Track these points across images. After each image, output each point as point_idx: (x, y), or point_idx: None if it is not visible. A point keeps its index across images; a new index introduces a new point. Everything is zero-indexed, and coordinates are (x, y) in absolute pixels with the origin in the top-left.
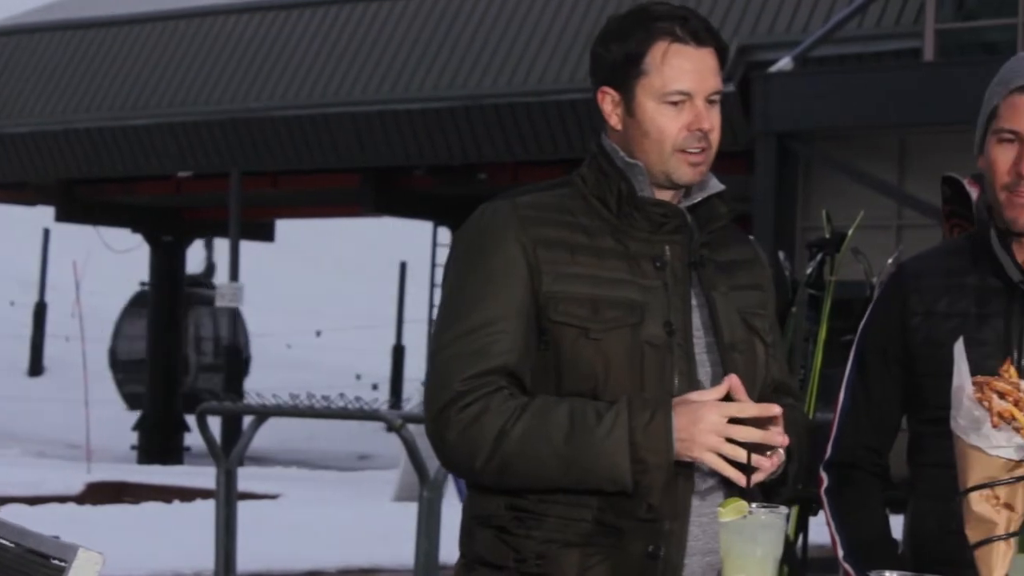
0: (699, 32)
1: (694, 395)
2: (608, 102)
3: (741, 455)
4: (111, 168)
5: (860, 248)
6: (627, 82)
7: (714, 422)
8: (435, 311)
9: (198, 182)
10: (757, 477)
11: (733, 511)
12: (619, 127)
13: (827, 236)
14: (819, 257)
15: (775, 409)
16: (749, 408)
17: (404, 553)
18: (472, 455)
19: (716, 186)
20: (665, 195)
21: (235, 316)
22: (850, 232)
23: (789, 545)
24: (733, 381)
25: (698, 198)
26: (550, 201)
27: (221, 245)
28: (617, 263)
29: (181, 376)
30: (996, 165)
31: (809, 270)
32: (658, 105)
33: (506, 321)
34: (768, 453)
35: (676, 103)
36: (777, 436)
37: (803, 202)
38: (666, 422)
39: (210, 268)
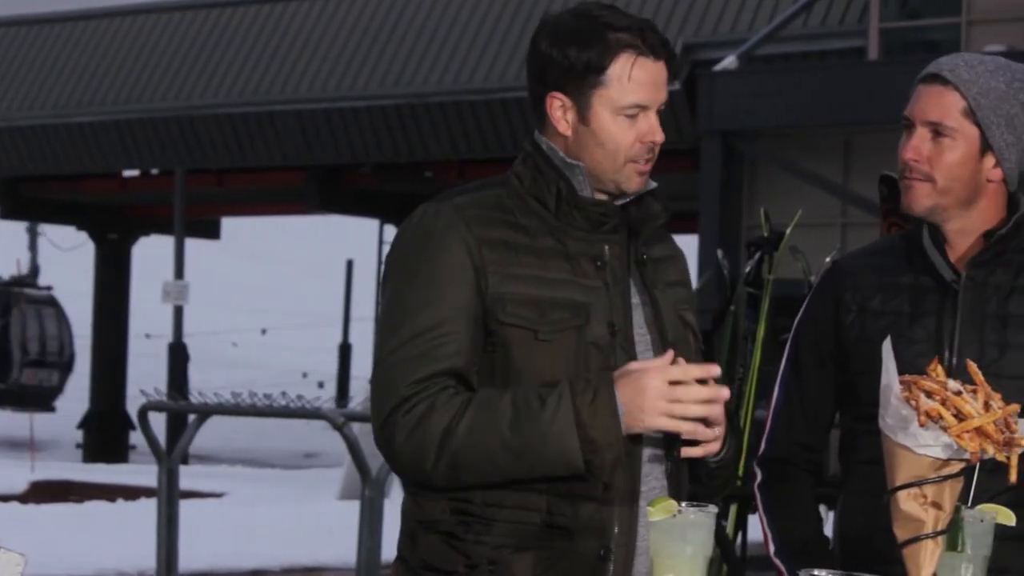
0: (657, 46)
1: (634, 365)
2: (558, 107)
3: (692, 412)
4: (56, 166)
5: (805, 246)
6: (583, 90)
7: (659, 387)
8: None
9: (143, 180)
10: (698, 451)
11: (662, 510)
12: (568, 133)
13: (765, 235)
14: (758, 256)
15: (715, 369)
16: (692, 370)
17: (348, 551)
18: (422, 457)
19: (649, 184)
20: (602, 195)
21: (60, 315)
22: (788, 231)
23: (728, 543)
24: (671, 355)
25: (631, 196)
26: (489, 201)
27: (166, 243)
28: (558, 263)
29: (7, 372)
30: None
31: (748, 269)
32: (614, 116)
33: (453, 323)
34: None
35: (632, 116)
36: (719, 413)
37: (748, 200)
38: (610, 398)
39: (34, 269)
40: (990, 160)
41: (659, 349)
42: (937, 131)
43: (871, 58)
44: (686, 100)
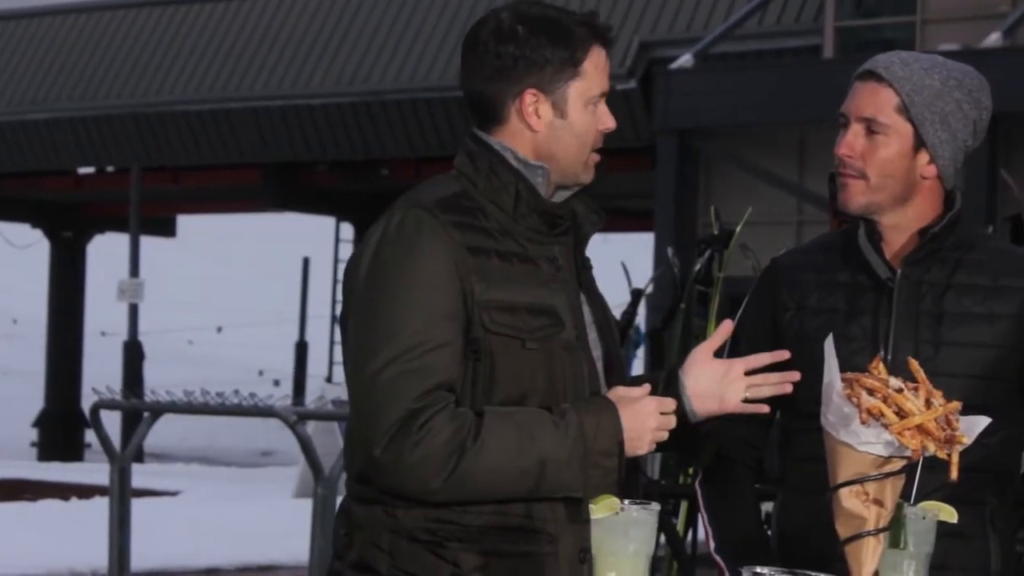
0: (608, 34)
1: (621, 391)
2: (531, 103)
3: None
4: (11, 163)
5: (761, 244)
6: (559, 84)
7: (657, 416)
8: (338, 307)
9: (99, 178)
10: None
11: (605, 508)
12: (539, 128)
13: (715, 233)
14: (708, 253)
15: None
16: (670, 404)
17: (303, 550)
18: (430, 474)
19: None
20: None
21: None
22: (738, 229)
23: (679, 540)
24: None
25: (565, 195)
26: (457, 204)
27: (122, 240)
28: (524, 267)
29: None
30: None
31: (698, 266)
32: (585, 107)
33: (447, 333)
34: None
35: (595, 105)
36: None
37: (704, 198)
38: (616, 424)
39: None
40: (924, 157)
41: (602, 348)
42: (871, 128)
43: (826, 56)
44: (642, 98)
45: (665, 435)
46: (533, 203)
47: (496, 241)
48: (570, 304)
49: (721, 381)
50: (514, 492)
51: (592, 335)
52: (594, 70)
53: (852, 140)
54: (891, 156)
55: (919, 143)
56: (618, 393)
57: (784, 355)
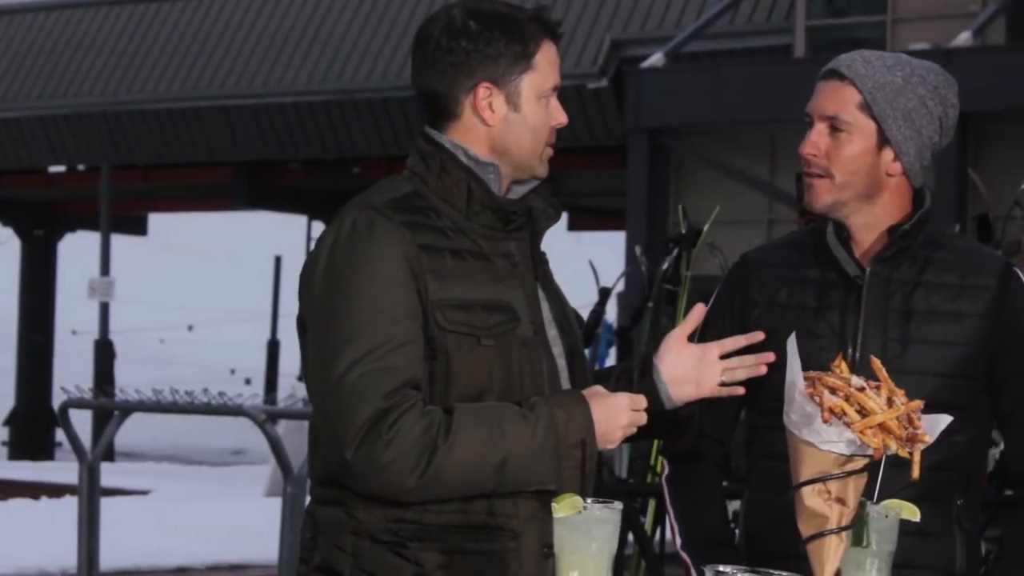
0: (557, 29)
1: (599, 389)
2: (485, 97)
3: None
4: None
5: (732, 243)
6: (513, 77)
7: (629, 412)
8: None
9: (69, 176)
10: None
11: (568, 506)
12: (493, 122)
13: (683, 232)
14: (675, 252)
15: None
16: (641, 401)
17: (274, 549)
18: (404, 473)
19: (533, 181)
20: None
21: None
22: (706, 227)
23: (647, 538)
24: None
25: (522, 191)
26: (409, 204)
27: (93, 239)
28: (480, 264)
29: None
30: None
31: (666, 265)
32: (538, 100)
33: (408, 331)
34: None
35: (547, 99)
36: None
37: (675, 197)
38: (587, 417)
39: None
40: (888, 154)
41: (564, 343)
42: (834, 126)
43: (797, 55)
44: (614, 97)
45: (634, 429)
46: (485, 200)
47: (449, 239)
48: (527, 300)
49: (697, 366)
50: (487, 486)
51: (552, 332)
52: (546, 64)
53: (816, 139)
54: (855, 154)
55: (883, 140)
56: (590, 389)
57: (759, 336)
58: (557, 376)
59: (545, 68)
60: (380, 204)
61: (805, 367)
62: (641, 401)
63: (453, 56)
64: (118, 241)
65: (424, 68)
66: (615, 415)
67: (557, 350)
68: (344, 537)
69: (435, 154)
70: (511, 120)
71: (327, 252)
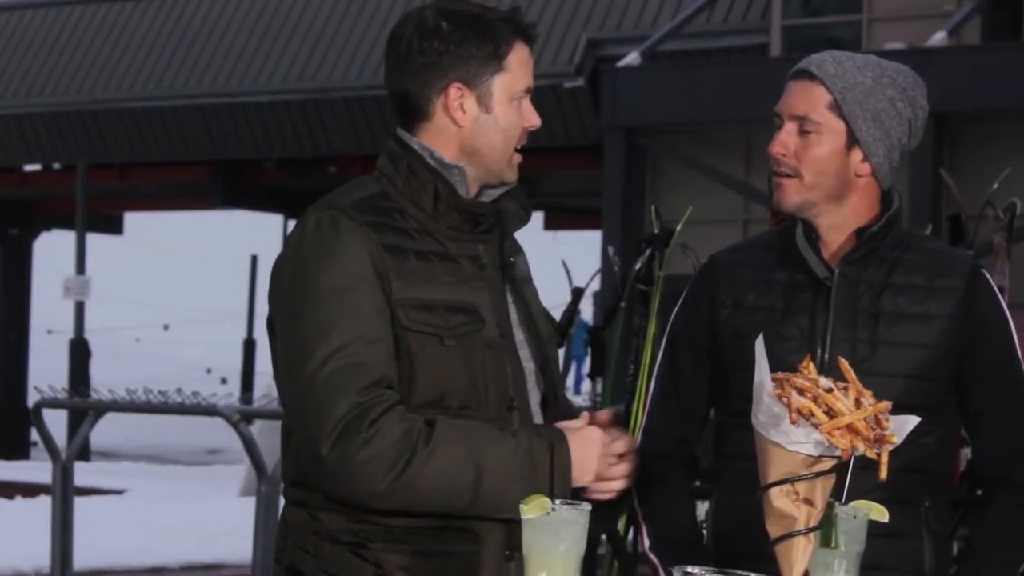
0: (531, 31)
1: (574, 424)
2: (456, 98)
3: (615, 486)
4: None
5: (707, 242)
6: (484, 78)
7: (601, 451)
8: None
9: (45, 175)
10: (608, 494)
11: (536, 508)
12: (464, 123)
13: (656, 232)
14: (648, 252)
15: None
16: (620, 445)
17: (248, 548)
18: (376, 476)
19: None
20: (471, 196)
21: None
22: (678, 227)
23: (619, 539)
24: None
25: (495, 195)
26: (374, 205)
27: (68, 238)
28: (445, 266)
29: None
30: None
31: (638, 266)
32: (509, 101)
33: (377, 329)
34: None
35: (519, 101)
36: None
37: (651, 197)
38: (565, 451)
39: None
40: (858, 155)
41: (533, 347)
42: (803, 126)
43: (773, 55)
44: (590, 96)
45: (614, 484)
46: (452, 202)
47: (414, 240)
48: (493, 302)
49: (600, 456)
50: (457, 503)
51: (521, 336)
52: (518, 65)
53: (785, 139)
54: (824, 154)
55: (852, 141)
56: (561, 424)
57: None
58: (524, 380)
59: (517, 70)
60: (344, 204)
61: (774, 369)
62: (618, 443)
63: (425, 57)
64: (94, 240)
65: (396, 69)
66: (589, 448)
67: (525, 354)
68: (307, 538)
69: (403, 155)
70: (482, 121)
71: (293, 253)
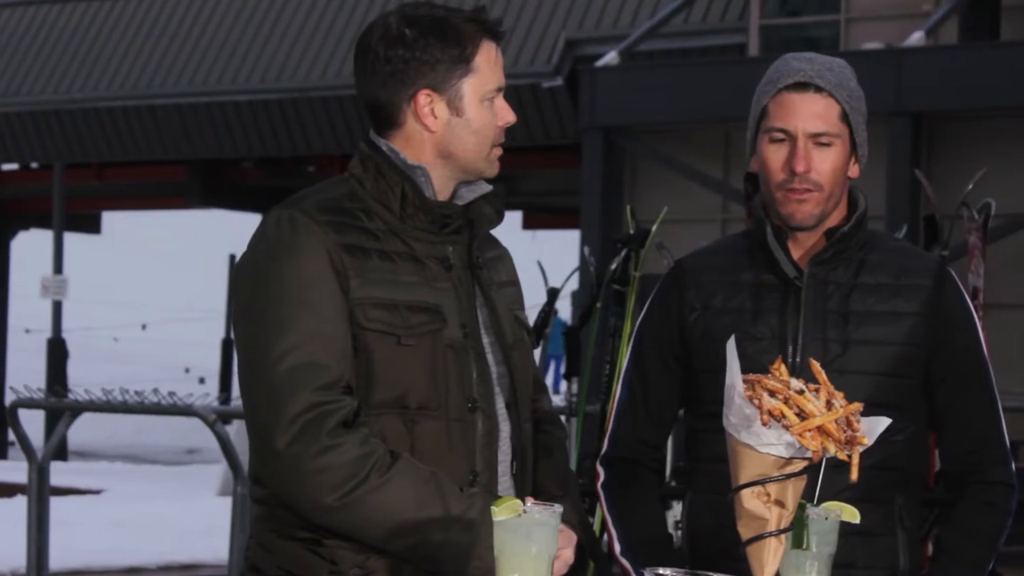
0: (497, 29)
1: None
2: (426, 103)
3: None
4: None
5: (685, 242)
6: (453, 82)
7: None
8: None
9: (22, 174)
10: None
11: (507, 509)
12: (436, 128)
13: (631, 232)
14: (624, 252)
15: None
16: (568, 537)
17: (226, 548)
18: (324, 488)
19: (485, 187)
20: (444, 196)
21: None
22: (654, 227)
23: (595, 540)
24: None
25: (469, 198)
26: (336, 205)
27: (46, 237)
28: (409, 266)
29: None
30: (769, 164)
31: (614, 266)
32: (481, 103)
33: (335, 327)
34: None
35: (491, 100)
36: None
37: (630, 196)
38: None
39: None
40: (851, 158)
41: (498, 352)
42: (819, 140)
43: (752, 54)
44: (568, 95)
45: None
46: (419, 203)
47: (378, 241)
48: (458, 303)
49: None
50: (395, 542)
51: (489, 338)
52: (487, 65)
53: (808, 155)
54: (840, 164)
55: (852, 146)
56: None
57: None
58: (490, 382)
59: (486, 70)
60: (307, 205)
61: (745, 369)
62: (567, 536)
63: (391, 66)
64: (71, 239)
65: (365, 78)
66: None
67: (495, 357)
68: (266, 535)
69: (372, 157)
70: (454, 125)
71: (253, 251)
